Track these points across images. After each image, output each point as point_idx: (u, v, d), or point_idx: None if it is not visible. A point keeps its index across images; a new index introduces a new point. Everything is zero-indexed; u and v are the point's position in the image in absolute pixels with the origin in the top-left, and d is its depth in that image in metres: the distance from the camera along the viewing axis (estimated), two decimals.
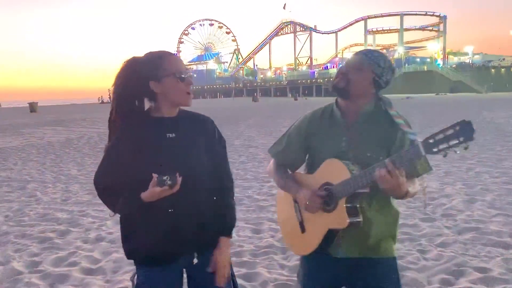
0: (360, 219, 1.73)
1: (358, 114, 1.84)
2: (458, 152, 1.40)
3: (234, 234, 1.93)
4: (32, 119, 29.42)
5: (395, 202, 1.89)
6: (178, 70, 1.74)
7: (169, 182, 1.59)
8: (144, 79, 1.73)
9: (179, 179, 1.62)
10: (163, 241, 1.74)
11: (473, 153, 9.30)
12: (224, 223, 1.86)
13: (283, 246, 4.17)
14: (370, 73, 1.79)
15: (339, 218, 1.73)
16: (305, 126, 1.95)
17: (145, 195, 1.65)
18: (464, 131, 1.38)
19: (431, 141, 1.44)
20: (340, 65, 1.95)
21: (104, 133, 16.99)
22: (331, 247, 1.83)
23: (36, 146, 13.35)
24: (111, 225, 4.99)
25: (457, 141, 1.38)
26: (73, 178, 8.01)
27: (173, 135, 1.77)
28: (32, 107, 43.59)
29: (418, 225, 4.64)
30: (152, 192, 1.63)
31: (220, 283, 1.82)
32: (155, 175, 1.60)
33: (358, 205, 1.73)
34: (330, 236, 1.79)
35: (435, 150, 1.42)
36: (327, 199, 1.77)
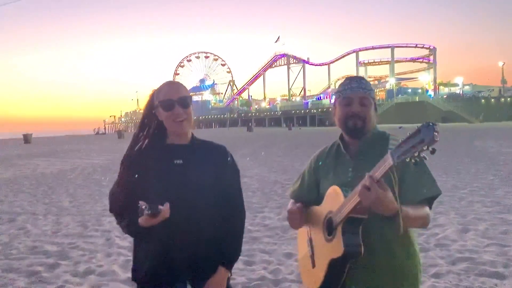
0: (359, 248, 1.61)
1: (360, 143, 1.85)
2: (427, 158, 1.36)
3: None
4: (26, 150, 29.27)
5: (415, 240, 1.82)
6: (162, 99, 1.81)
7: (147, 212, 1.61)
8: (152, 108, 1.86)
9: (164, 208, 1.64)
10: (157, 267, 1.78)
11: (465, 182, 9.34)
12: (225, 253, 1.87)
13: (276, 279, 4.12)
14: (372, 101, 1.84)
15: (336, 247, 1.65)
16: (314, 162, 2.01)
17: (140, 220, 1.68)
18: (425, 133, 1.32)
19: (399, 148, 1.40)
20: (340, 107, 1.92)
21: (98, 164, 16.99)
22: (341, 283, 1.73)
23: (29, 178, 13.25)
24: (101, 257, 4.91)
25: (421, 145, 1.33)
26: (65, 210, 7.92)
27: (180, 161, 1.81)
28: (26, 138, 43.42)
29: None
30: (141, 219, 1.67)
31: None
32: (140, 203, 1.63)
33: (357, 232, 1.63)
34: (338, 269, 1.70)
35: (403, 157, 1.38)
36: (326, 228, 1.74)
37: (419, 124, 1.37)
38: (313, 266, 1.84)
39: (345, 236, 1.62)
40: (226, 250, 1.87)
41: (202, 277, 1.83)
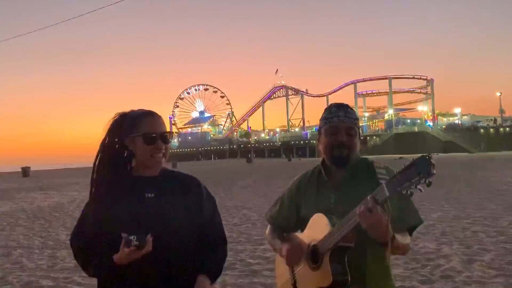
0: (347, 276, 1.61)
1: (345, 169, 1.84)
2: (422, 190, 1.35)
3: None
4: (24, 184, 29.11)
5: (391, 269, 1.82)
6: (146, 132, 1.71)
7: (135, 243, 1.52)
8: (123, 135, 1.73)
9: (149, 240, 1.55)
10: None
11: (468, 212, 9.23)
12: (206, 266, 1.72)
13: None
14: (357, 130, 1.86)
15: (324, 276, 1.65)
16: (295, 187, 1.99)
17: (116, 257, 1.58)
18: (422, 166, 1.33)
19: (393, 180, 1.40)
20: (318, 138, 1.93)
21: None
22: None
23: (26, 211, 13.10)
24: None
25: (417, 178, 1.33)
26: (61, 243, 7.78)
27: (152, 194, 1.71)
28: (25, 171, 43.34)
29: (416, 287, 4.48)
30: (122, 252, 1.56)
31: None
32: (124, 235, 1.54)
33: (344, 261, 1.63)
34: None
35: (398, 189, 1.38)
36: (311, 256, 1.71)
37: (415, 156, 1.38)
38: None
39: (333, 264, 1.62)
40: (207, 264, 1.73)
41: None
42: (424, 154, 1.34)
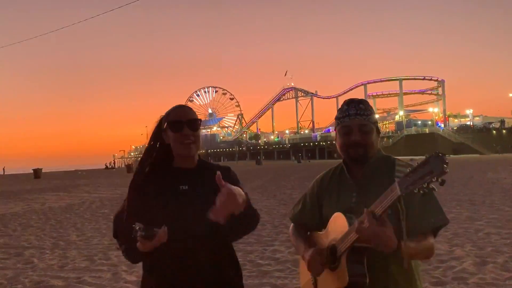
0: (365, 278, 1.56)
1: (365, 167, 1.80)
2: (436, 189, 1.31)
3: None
4: (36, 185, 29.42)
5: (418, 271, 1.76)
6: (171, 120, 1.77)
7: (141, 233, 1.53)
8: (160, 131, 1.82)
9: (160, 232, 1.54)
10: None
11: (481, 214, 9.11)
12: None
13: None
14: (373, 126, 1.78)
15: (341, 276, 1.61)
16: (317, 186, 1.95)
17: (138, 245, 1.60)
18: (434, 164, 1.28)
19: (406, 178, 1.34)
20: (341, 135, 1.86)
21: (106, 198, 16.96)
22: None
23: (37, 212, 13.21)
24: None
25: (430, 176, 1.28)
26: (72, 244, 7.82)
27: (186, 187, 1.76)
28: (36, 173, 43.84)
29: None
30: (138, 242, 1.59)
31: (212, 213, 1.50)
32: (134, 225, 1.55)
33: (363, 262, 1.58)
34: None
35: (411, 187, 1.33)
36: (330, 257, 1.67)
37: (428, 155, 1.33)
38: None
39: (350, 265, 1.58)
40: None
41: None
42: (437, 152, 1.29)
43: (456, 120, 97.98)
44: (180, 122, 1.76)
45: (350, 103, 1.81)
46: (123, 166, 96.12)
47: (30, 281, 5.39)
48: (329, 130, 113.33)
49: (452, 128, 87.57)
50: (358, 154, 1.76)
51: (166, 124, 1.80)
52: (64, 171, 71.34)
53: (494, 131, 77.59)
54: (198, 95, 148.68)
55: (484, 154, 63.75)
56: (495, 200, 11.27)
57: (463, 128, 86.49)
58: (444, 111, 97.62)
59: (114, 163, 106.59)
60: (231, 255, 1.84)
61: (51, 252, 7.16)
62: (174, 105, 1.87)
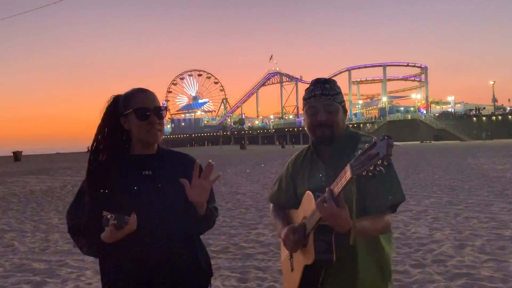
0: (331, 255, 1.61)
1: (331, 147, 1.84)
2: (384, 171, 1.33)
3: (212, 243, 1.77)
4: (16, 168, 28.94)
5: (386, 243, 1.81)
6: (139, 107, 1.69)
7: (113, 222, 1.47)
8: (117, 115, 1.73)
9: (130, 219, 1.51)
10: (131, 283, 1.65)
11: (460, 198, 9.30)
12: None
13: None
14: (339, 106, 1.81)
15: (308, 254, 1.66)
16: (291, 166, 2.04)
17: (103, 235, 1.56)
18: (381, 147, 1.30)
19: (357, 161, 1.38)
20: (302, 119, 1.94)
21: None
22: None
23: (18, 195, 13.02)
24: (91, 275, 4.76)
25: (376, 158, 1.31)
26: (54, 227, 7.74)
27: (150, 172, 1.70)
28: (16, 156, 43.09)
29: (408, 271, 4.52)
30: (105, 233, 1.54)
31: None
32: (104, 213, 1.49)
33: (330, 240, 1.61)
34: (313, 275, 1.70)
35: (361, 169, 1.36)
36: (302, 234, 1.72)
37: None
38: (292, 269, 1.85)
39: (316, 243, 1.63)
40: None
41: None
42: (384, 135, 1.32)
43: (438, 107, 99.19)
44: (146, 110, 1.68)
45: (316, 83, 1.82)
46: None
47: (11, 264, 5.33)
48: None
49: (434, 115, 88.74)
50: (324, 134, 1.80)
51: (129, 110, 1.69)
52: (45, 154, 70.24)
53: (474, 118, 78.90)
54: (182, 79, 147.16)
55: (464, 141, 64.87)
56: (474, 185, 11.51)
57: (444, 115, 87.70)
58: (427, 97, 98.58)
59: None
60: (200, 242, 1.81)
61: (32, 235, 7.08)
62: (133, 88, 1.76)
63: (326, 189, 1.52)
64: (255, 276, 4.56)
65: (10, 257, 5.71)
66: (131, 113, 1.69)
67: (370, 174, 1.34)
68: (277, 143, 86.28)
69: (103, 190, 1.66)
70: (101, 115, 1.76)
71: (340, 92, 1.83)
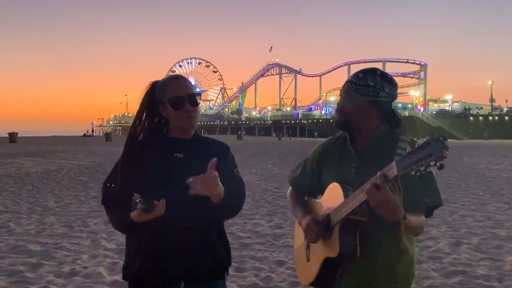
0: (355, 250, 1.58)
1: (368, 140, 1.77)
2: (433, 172, 1.34)
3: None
4: (11, 149, 28.78)
5: (412, 245, 1.76)
6: (173, 97, 1.73)
7: (140, 206, 1.51)
8: (155, 102, 1.78)
9: (159, 205, 1.55)
10: (149, 266, 1.69)
11: (456, 196, 9.34)
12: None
13: (267, 286, 4.01)
14: (361, 97, 1.73)
15: (332, 246, 1.62)
16: (318, 152, 1.94)
17: (133, 215, 1.59)
18: (434, 148, 1.26)
19: (405, 159, 1.34)
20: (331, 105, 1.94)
21: (85, 166, 16.72)
22: (334, 282, 1.70)
23: (13, 177, 12.96)
24: (87, 259, 4.75)
25: (429, 159, 1.27)
26: (50, 210, 7.72)
27: (181, 155, 1.74)
28: (12, 137, 42.82)
29: None
30: (134, 214, 1.59)
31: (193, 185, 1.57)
32: (134, 197, 1.54)
33: (355, 234, 1.59)
34: (332, 268, 1.67)
35: (408, 169, 1.32)
36: (324, 225, 1.69)
37: (428, 137, 1.31)
38: (308, 259, 1.81)
39: (342, 236, 1.59)
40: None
41: (196, 278, 1.73)
42: (439, 135, 1.27)
43: (435, 105, 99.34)
44: (181, 98, 1.73)
45: (359, 71, 1.80)
46: (101, 134, 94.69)
47: (7, 245, 5.31)
48: (311, 108, 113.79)
49: (431, 113, 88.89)
50: (339, 121, 1.79)
51: (164, 99, 1.75)
52: (41, 137, 69.94)
53: (471, 118, 79.12)
54: (180, 66, 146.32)
55: (460, 139, 65.12)
56: (470, 184, 11.57)
57: (442, 113, 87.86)
58: (425, 95, 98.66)
59: (93, 131, 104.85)
60: (220, 229, 1.84)
61: (28, 217, 7.05)
62: (169, 75, 1.84)
63: (378, 173, 1.43)
64: (252, 266, 4.57)
65: (5, 237, 5.69)
66: (166, 102, 1.74)
67: (418, 174, 1.30)
68: (274, 135, 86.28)
69: (134, 169, 1.71)
70: (139, 101, 1.81)
71: (373, 86, 1.73)
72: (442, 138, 1.26)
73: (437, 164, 1.26)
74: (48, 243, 5.42)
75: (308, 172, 1.96)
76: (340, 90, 1.81)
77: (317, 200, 1.86)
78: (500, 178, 13.02)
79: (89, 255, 4.88)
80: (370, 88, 1.73)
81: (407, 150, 1.41)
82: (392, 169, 1.38)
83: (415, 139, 1.69)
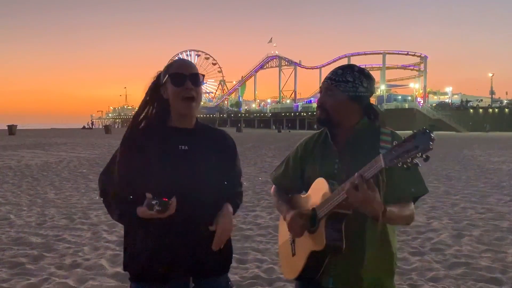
0: (341, 243, 1.60)
1: (349, 134, 1.79)
2: (420, 164, 1.32)
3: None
4: (10, 142, 28.75)
5: (394, 236, 1.80)
6: (173, 73, 1.68)
7: (157, 208, 1.49)
8: (158, 87, 1.73)
9: (172, 204, 1.52)
10: (155, 258, 1.64)
11: (457, 189, 9.33)
12: (231, 198, 1.78)
13: (270, 278, 4.00)
14: (341, 93, 1.75)
15: (318, 239, 1.64)
16: (301, 150, 1.95)
17: (139, 211, 1.55)
18: (421, 140, 1.29)
19: (391, 152, 1.37)
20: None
21: (85, 158, 16.70)
22: (320, 275, 1.71)
23: (13, 169, 12.94)
24: (88, 251, 4.74)
25: (415, 151, 1.30)
26: (50, 202, 7.70)
27: (186, 147, 1.68)
28: (11, 129, 42.75)
29: (407, 258, 4.53)
30: (144, 211, 1.54)
31: (215, 247, 1.66)
32: (148, 196, 1.50)
33: (340, 228, 1.61)
34: (317, 261, 1.68)
35: (395, 161, 1.35)
36: (310, 220, 1.70)
37: (415, 130, 1.34)
38: (293, 254, 1.83)
39: (328, 230, 1.61)
40: (232, 197, 1.80)
41: (204, 273, 1.69)
42: (425, 128, 1.30)
43: (435, 97, 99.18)
44: (182, 75, 1.66)
45: (337, 67, 1.82)
46: (101, 127, 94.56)
47: (8, 237, 5.30)
48: (310, 101, 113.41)
49: (431, 105, 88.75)
50: (320, 117, 1.80)
51: (166, 77, 1.68)
52: (40, 129, 69.86)
53: (471, 110, 79.03)
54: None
55: (460, 132, 65.10)
56: (471, 176, 11.56)
57: (441, 106, 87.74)
58: (425, 87, 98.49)
59: (92, 123, 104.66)
60: None
61: (29, 209, 7.04)
62: (175, 59, 1.78)
63: (355, 174, 1.48)
64: (254, 258, 4.56)
65: (6, 230, 5.67)
66: (167, 80, 1.68)
67: (405, 166, 1.33)
68: (274, 127, 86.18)
69: (134, 158, 1.65)
70: (144, 91, 1.76)
71: (352, 81, 1.75)
72: (428, 131, 1.28)
73: (423, 156, 1.29)
74: (49, 235, 5.40)
75: (291, 170, 1.96)
76: (320, 87, 1.83)
77: (302, 196, 1.87)
78: (501, 170, 13.01)
79: (90, 247, 4.87)
80: (349, 84, 1.75)
81: (391, 142, 1.46)
82: (379, 162, 1.41)
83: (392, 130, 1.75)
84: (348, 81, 1.75)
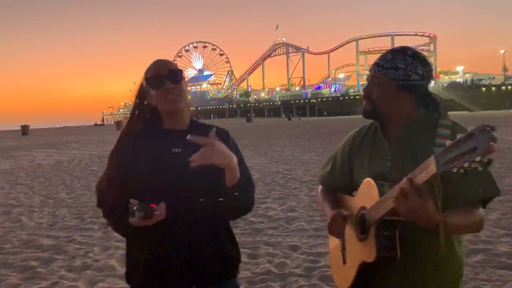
0: (394, 254, 1.40)
1: (402, 128, 1.57)
2: (480, 168, 1.06)
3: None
4: (23, 142, 29.06)
5: (460, 245, 1.57)
6: (149, 77, 1.60)
7: (139, 214, 1.39)
8: (144, 97, 1.66)
9: (160, 209, 1.42)
10: (155, 271, 1.56)
11: None
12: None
13: (282, 273, 3.92)
14: (390, 82, 1.52)
15: (368, 250, 1.45)
16: (348, 145, 1.75)
17: (131, 220, 1.46)
18: (480, 141, 1.04)
19: (445, 154, 1.13)
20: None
21: (96, 155, 16.77)
22: (373, 286, 1.55)
23: (26, 169, 13.03)
24: (98, 251, 4.71)
25: (473, 154, 1.04)
26: (61, 202, 7.71)
27: (179, 150, 1.58)
28: (24, 129, 43.25)
29: None
30: (132, 220, 1.45)
31: (193, 159, 1.40)
32: (130, 204, 1.42)
33: (394, 235, 1.41)
34: (369, 273, 1.51)
35: (450, 165, 1.11)
36: (359, 226, 1.52)
37: (472, 127, 1.07)
38: (344, 262, 1.65)
39: (378, 239, 1.41)
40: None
41: (208, 281, 1.60)
42: (484, 125, 1.05)
43: (446, 77, 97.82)
44: (159, 77, 1.57)
45: (387, 52, 1.58)
46: (112, 123, 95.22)
47: (19, 240, 5.30)
48: (319, 87, 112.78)
49: (443, 85, 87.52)
50: (365, 109, 1.59)
51: (145, 83, 1.61)
52: (52, 128, 70.56)
53: (483, 88, 77.74)
54: (187, 50, 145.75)
55: (472, 111, 64.17)
56: None
57: (453, 85, 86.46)
58: (435, 67, 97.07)
59: (103, 120, 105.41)
60: (227, 227, 1.71)
61: (40, 210, 7.05)
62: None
63: (404, 179, 1.27)
64: (265, 252, 4.48)
65: (18, 232, 5.67)
66: (147, 86, 1.61)
67: (462, 171, 1.09)
68: (284, 115, 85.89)
69: (127, 166, 1.57)
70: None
71: (403, 68, 1.51)
72: (488, 128, 1.04)
73: (484, 159, 1.04)
74: (60, 237, 5.39)
75: (339, 168, 1.76)
76: (368, 74, 1.61)
77: (351, 197, 1.68)
78: None
79: (100, 247, 4.84)
80: (400, 71, 1.51)
81: (450, 137, 1.18)
82: (431, 166, 1.18)
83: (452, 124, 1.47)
84: (399, 68, 1.51)
